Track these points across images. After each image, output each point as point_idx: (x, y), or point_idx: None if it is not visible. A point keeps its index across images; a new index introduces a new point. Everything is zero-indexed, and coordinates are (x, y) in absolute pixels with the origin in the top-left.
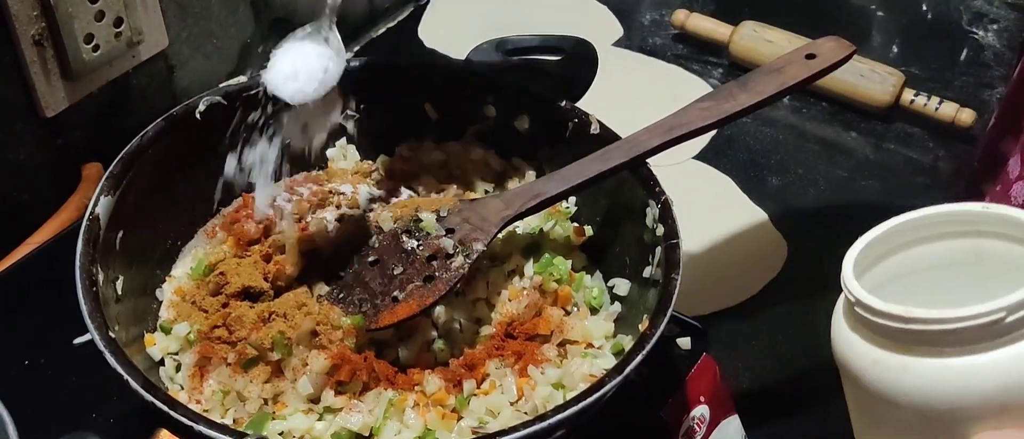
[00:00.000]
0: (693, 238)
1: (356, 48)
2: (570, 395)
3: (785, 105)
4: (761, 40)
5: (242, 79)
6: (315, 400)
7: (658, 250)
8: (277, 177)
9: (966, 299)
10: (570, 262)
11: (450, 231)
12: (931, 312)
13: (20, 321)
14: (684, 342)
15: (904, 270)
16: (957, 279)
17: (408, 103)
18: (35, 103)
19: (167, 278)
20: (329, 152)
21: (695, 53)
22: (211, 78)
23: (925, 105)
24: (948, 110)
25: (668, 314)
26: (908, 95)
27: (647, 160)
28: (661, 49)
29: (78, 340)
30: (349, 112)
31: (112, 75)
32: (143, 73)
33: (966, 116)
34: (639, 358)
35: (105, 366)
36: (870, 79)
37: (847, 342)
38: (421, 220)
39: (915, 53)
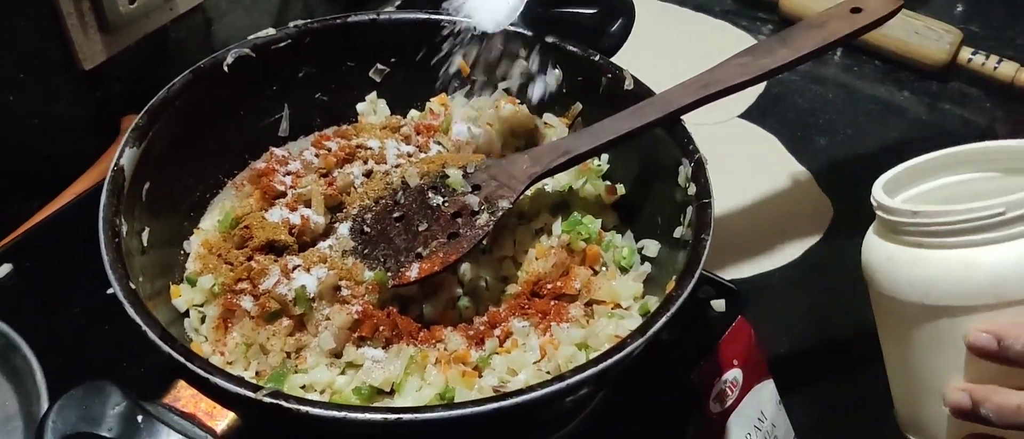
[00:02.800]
0: (735, 198)
1: (398, 2)
2: (594, 356)
3: (836, 63)
4: None
5: (271, 31)
6: (337, 354)
7: (689, 210)
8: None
9: None
10: (600, 221)
11: (476, 188)
12: (936, 207)
13: (56, 270)
14: (718, 304)
15: (936, 198)
16: None
17: (440, 57)
18: (73, 56)
19: (195, 230)
20: (359, 106)
21: (744, 8)
22: (250, 31)
23: (983, 64)
24: (1007, 70)
25: (696, 276)
26: (966, 54)
27: (682, 117)
28: (709, 4)
29: (111, 290)
30: (379, 66)
31: (149, 28)
32: (181, 26)
33: None
34: (664, 320)
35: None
36: (926, 36)
37: (870, 246)
38: (447, 176)
39: (976, 10)
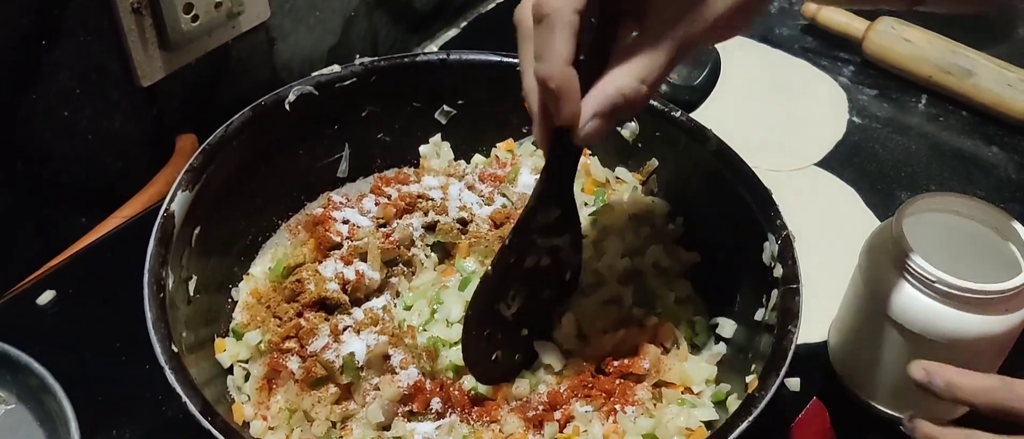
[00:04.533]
0: (806, 252)
1: (463, 24)
2: None
3: (921, 112)
4: (899, 39)
5: (336, 68)
6: (385, 427)
7: (774, 294)
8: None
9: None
10: (673, 294)
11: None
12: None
13: (99, 299)
14: (793, 383)
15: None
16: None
17: (509, 100)
18: (132, 72)
19: (245, 275)
20: (422, 148)
21: (825, 48)
22: (313, 52)
23: None
24: None
25: (781, 375)
26: None
27: (756, 166)
28: (788, 41)
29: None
30: (446, 108)
31: (211, 46)
32: (243, 44)
33: None
34: (744, 425)
35: None
36: (1018, 89)
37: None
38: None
39: None
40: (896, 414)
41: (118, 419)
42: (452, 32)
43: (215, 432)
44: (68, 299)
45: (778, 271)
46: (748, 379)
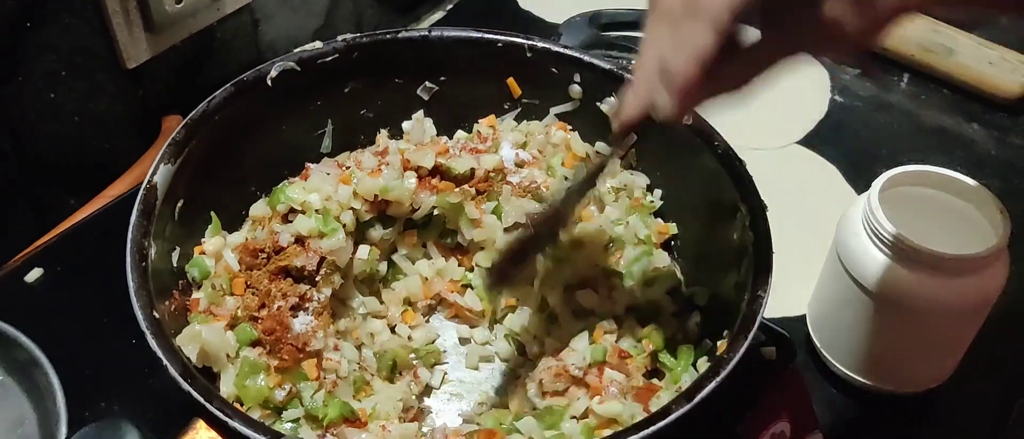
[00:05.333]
0: (787, 230)
1: (449, 7)
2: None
3: (902, 89)
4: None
5: (318, 44)
6: None
7: (746, 261)
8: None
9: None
10: (652, 265)
11: None
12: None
13: (87, 277)
14: (769, 352)
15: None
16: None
17: (491, 77)
18: (117, 54)
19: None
20: (405, 124)
21: None
22: (298, 33)
23: None
24: None
25: (750, 338)
26: None
27: (735, 146)
28: None
29: None
30: (428, 84)
31: (195, 27)
32: (227, 26)
33: None
34: (712, 385)
35: None
36: (999, 67)
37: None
38: None
39: None
40: (873, 384)
41: (105, 392)
42: (438, 15)
43: (195, 394)
44: (56, 277)
45: (750, 239)
46: (718, 343)
